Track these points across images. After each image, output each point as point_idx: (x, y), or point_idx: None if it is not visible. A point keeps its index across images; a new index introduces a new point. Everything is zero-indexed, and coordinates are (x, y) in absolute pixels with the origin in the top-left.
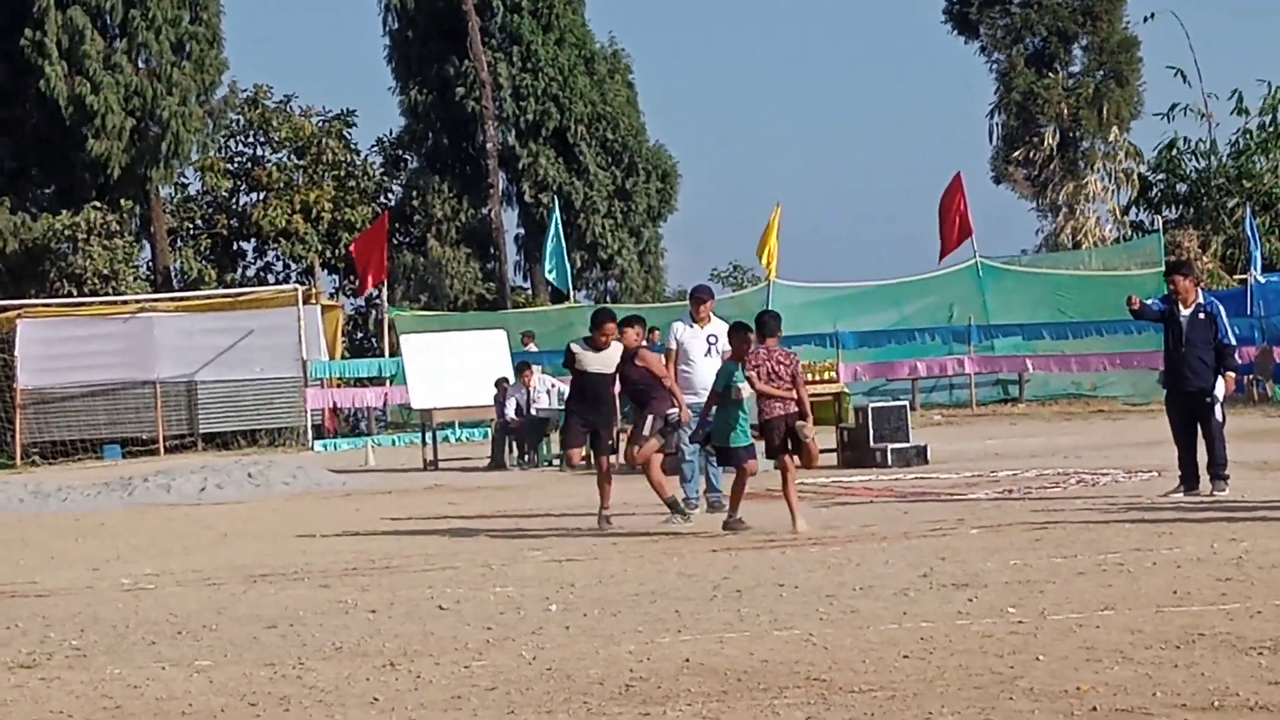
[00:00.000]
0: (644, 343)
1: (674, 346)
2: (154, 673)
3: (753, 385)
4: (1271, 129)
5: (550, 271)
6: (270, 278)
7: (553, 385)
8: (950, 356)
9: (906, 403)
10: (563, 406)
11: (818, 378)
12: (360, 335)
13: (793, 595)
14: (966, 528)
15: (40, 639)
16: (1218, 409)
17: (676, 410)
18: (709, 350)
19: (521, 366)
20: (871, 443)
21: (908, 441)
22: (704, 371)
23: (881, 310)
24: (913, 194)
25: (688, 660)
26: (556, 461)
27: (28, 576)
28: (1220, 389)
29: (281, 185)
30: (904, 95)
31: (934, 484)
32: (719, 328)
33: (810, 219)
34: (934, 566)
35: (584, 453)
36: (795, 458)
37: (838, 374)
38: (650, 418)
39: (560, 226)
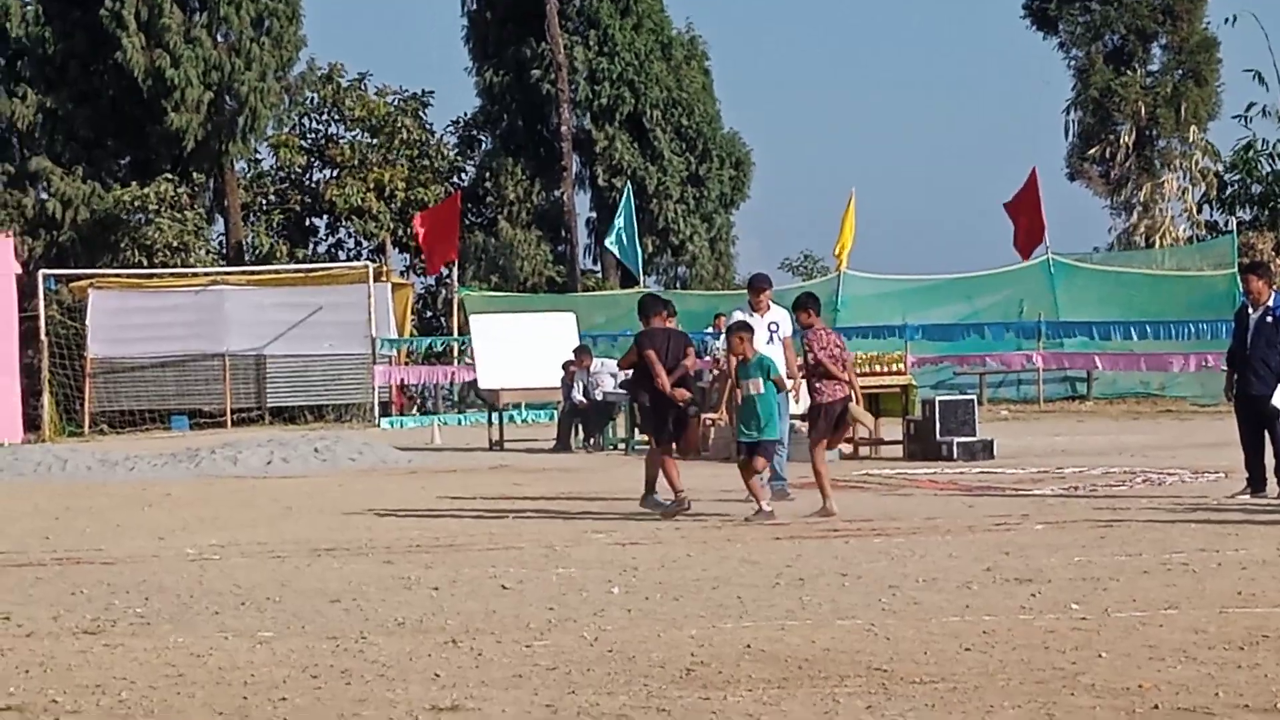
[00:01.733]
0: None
1: None
2: (217, 642)
3: (824, 370)
4: None
5: (613, 244)
6: (341, 255)
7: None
8: (1019, 352)
9: (974, 397)
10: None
11: (886, 369)
12: (430, 314)
13: (855, 585)
14: (1031, 523)
15: (105, 606)
16: None
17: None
18: (770, 338)
19: (579, 351)
20: (938, 435)
21: (974, 435)
22: None
23: (952, 304)
24: (987, 187)
25: (749, 646)
26: (622, 445)
27: (94, 544)
28: (1279, 397)
29: (355, 163)
30: (981, 89)
31: (999, 479)
32: (779, 315)
33: (883, 211)
34: (998, 561)
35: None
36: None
37: (905, 366)
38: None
39: (633, 210)
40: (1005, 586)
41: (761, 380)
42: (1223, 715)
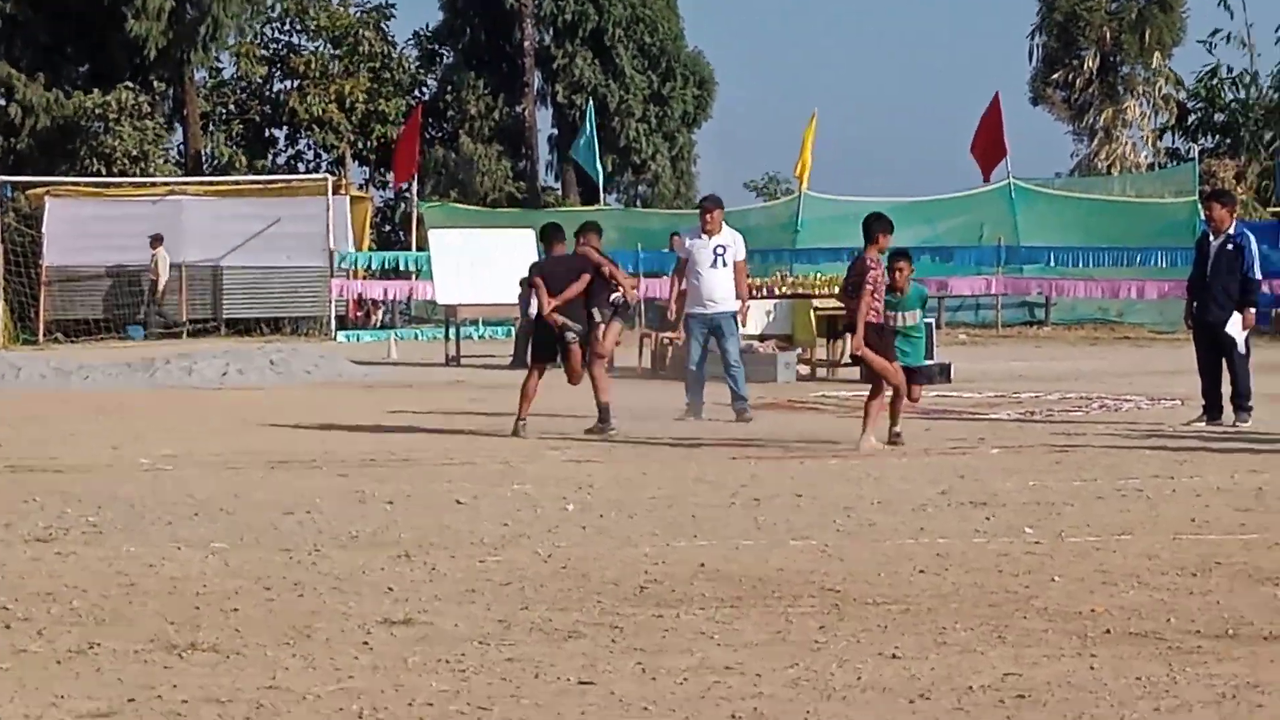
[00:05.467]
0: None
1: (682, 256)
2: (170, 552)
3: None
4: None
5: (577, 154)
6: (301, 166)
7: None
8: (978, 276)
9: (932, 320)
10: None
11: None
12: (388, 228)
13: (810, 506)
14: (987, 447)
15: (58, 514)
16: (1240, 340)
17: (620, 294)
18: (715, 261)
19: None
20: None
21: (932, 359)
22: (711, 283)
23: (913, 227)
24: (950, 111)
25: (703, 565)
26: None
27: (47, 452)
28: (1236, 325)
29: (317, 74)
30: (945, 11)
31: (956, 403)
32: (729, 238)
33: (846, 133)
34: (953, 484)
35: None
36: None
37: None
38: (596, 309)
39: (594, 128)
40: (960, 510)
41: (919, 312)
42: (1174, 640)
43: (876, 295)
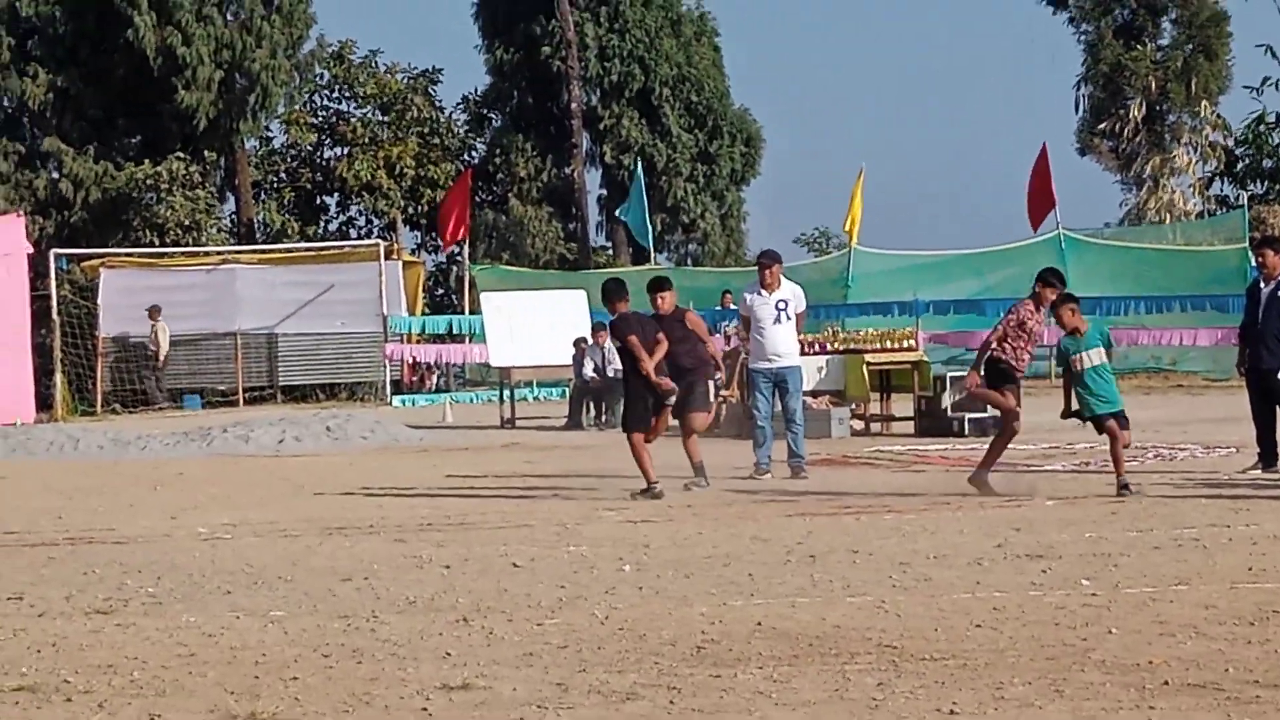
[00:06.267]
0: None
1: (744, 314)
2: (229, 622)
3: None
4: None
5: (624, 214)
6: (352, 233)
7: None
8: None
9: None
10: None
11: (897, 345)
12: (441, 292)
13: (866, 562)
14: (1042, 499)
15: (117, 585)
16: None
17: (721, 377)
18: (778, 317)
19: (597, 327)
20: (949, 412)
21: (985, 411)
22: (775, 338)
23: (963, 279)
24: (997, 163)
25: (760, 624)
26: None
27: (106, 524)
28: None
29: (366, 141)
30: (991, 64)
31: (1010, 455)
32: (789, 292)
33: (894, 187)
34: (1008, 537)
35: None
36: None
37: (916, 342)
38: (710, 385)
39: (643, 189)
40: (1016, 563)
41: (1102, 350)
42: (1233, 691)
43: (1009, 339)
